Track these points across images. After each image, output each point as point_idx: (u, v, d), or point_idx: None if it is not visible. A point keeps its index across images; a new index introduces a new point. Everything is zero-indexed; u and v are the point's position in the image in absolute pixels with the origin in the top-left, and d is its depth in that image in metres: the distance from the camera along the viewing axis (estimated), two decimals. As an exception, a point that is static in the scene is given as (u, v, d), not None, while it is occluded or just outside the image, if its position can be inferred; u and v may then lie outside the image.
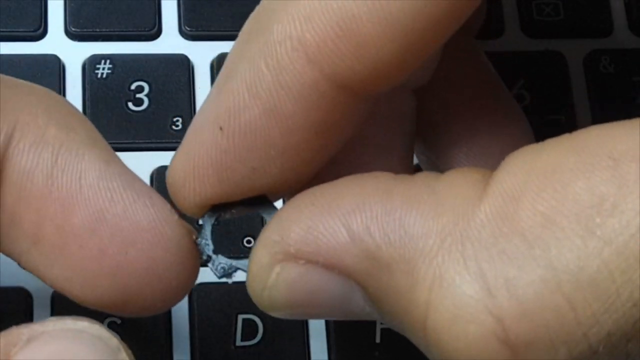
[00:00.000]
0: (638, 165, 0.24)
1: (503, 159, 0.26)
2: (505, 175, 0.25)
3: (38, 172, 0.28)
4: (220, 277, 0.30)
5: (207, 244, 0.29)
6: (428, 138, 0.35)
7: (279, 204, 0.30)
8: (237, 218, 0.30)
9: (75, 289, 0.28)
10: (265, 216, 0.29)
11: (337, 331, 0.38)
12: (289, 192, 0.29)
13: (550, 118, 0.42)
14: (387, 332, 0.38)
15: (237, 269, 0.29)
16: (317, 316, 0.29)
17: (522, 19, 0.44)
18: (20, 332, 0.26)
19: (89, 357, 0.26)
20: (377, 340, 0.38)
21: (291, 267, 0.27)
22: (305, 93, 0.27)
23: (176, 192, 0.29)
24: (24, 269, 0.29)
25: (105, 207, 0.28)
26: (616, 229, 0.23)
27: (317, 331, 0.38)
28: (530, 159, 0.25)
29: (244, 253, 0.29)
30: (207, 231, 0.29)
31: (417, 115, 0.33)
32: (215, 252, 0.29)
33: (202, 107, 0.29)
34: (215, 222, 0.30)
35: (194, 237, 0.30)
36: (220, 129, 0.28)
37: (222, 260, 0.29)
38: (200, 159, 0.29)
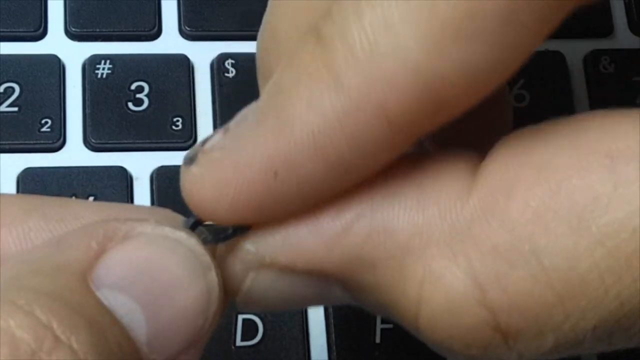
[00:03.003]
0: (635, 166, 0.23)
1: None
2: (496, 166, 0.25)
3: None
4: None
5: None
6: None
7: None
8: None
9: None
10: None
11: (337, 331, 0.38)
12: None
13: (550, 118, 0.42)
14: (387, 332, 0.38)
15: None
16: (292, 308, 0.28)
17: (522, 19, 0.44)
18: (117, 227, 0.25)
19: (179, 271, 0.25)
20: (377, 340, 0.38)
21: (266, 272, 0.26)
22: (378, 154, 0.25)
23: (198, 205, 0.26)
24: None
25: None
26: (609, 230, 0.23)
27: (317, 331, 0.38)
28: (523, 150, 0.25)
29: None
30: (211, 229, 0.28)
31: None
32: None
33: (245, 125, 0.26)
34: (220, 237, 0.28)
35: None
36: (275, 173, 0.25)
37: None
38: (243, 195, 0.26)
